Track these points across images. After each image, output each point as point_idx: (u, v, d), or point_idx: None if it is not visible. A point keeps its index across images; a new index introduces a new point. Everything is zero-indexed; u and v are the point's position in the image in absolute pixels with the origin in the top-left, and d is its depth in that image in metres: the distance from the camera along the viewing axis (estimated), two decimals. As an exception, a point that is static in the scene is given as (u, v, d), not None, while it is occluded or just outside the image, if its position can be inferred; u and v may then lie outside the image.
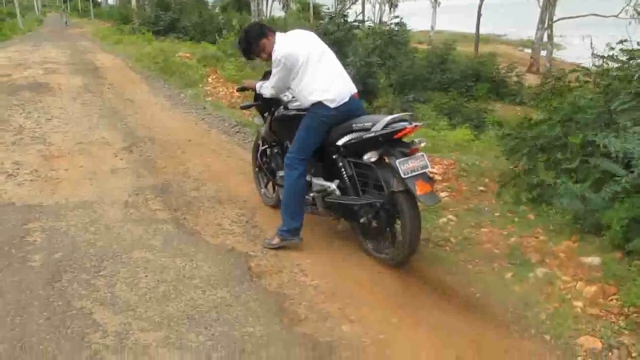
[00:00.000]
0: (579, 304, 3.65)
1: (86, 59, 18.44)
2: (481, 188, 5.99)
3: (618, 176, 4.24)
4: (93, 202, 5.47)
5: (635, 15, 19.90)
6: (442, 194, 5.79)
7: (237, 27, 19.12)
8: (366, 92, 13.58)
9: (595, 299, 3.68)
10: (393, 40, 17.87)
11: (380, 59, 15.77)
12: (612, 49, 5.62)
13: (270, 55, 4.41)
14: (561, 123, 5.43)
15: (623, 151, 4.18)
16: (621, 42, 5.49)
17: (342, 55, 14.47)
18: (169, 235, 4.77)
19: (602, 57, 5.65)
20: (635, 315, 3.47)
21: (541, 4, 31.84)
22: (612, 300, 3.66)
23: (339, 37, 15.85)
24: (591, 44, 5.94)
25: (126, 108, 10.30)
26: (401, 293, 3.96)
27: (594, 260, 4.16)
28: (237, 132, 8.53)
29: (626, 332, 3.36)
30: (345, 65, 13.27)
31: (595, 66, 5.97)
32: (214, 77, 13.43)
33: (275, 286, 3.97)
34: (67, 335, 3.32)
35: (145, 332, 3.38)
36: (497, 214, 5.34)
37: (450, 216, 5.27)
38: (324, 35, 15.66)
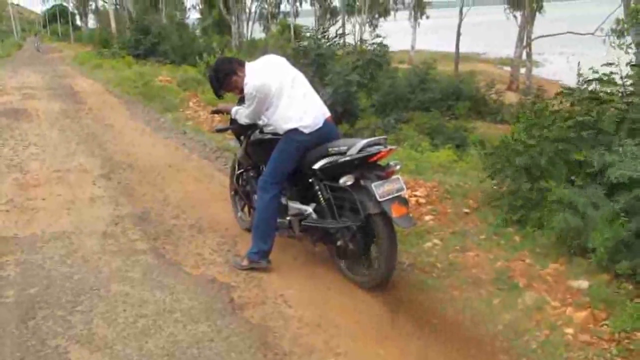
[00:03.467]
0: (570, 330, 3.57)
1: (65, 83, 18.30)
2: (466, 210, 5.92)
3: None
4: (70, 233, 5.33)
5: (610, 33, 20.14)
6: (427, 217, 5.72)
7: (217, 50, 19.08)
8: (347, 113, 13.55)
9: (585, 325, 3.60)
10: (374, 60, 17.91)
11: (362, 78, 15.78)
12: (596, 72, 5.60)
13: (242, 91, 4.39)
14: (548, 154, 5.38)
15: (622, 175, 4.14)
16: (606, 64, 5.45)
17: (322, 74, 14.48)
18: (149, 266, 4.65)
19: (591, 80, 5.59)
20: (626, 341, 3.40)
21: (519, 22, 32.25)
22: (603, 326, 3.58)
23: (320, 54, 15.83)
24: (575, 65, 5.88)
25: (105, 133, 10.17)
26: (388, 322, 3.86)
27: (582, 283, 4.09)
28: (218, 157, 8.41)
29: (619, 359, 3.28)
30: (324, 85, 13.30)
31: (579, 88, 5.92)
32: (195, 101, 13.33)
33: (259, 319, 3.85)
34: (41, 377, 3.19)
35: (123, 371, 3.25)
36: (483, 236, 5.26)
37: (435, 240, 5.19)
38: (304, 54, 15.70)
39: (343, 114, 13.47)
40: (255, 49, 24.35)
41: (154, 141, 9.77)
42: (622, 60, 5.30)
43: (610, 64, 5.29)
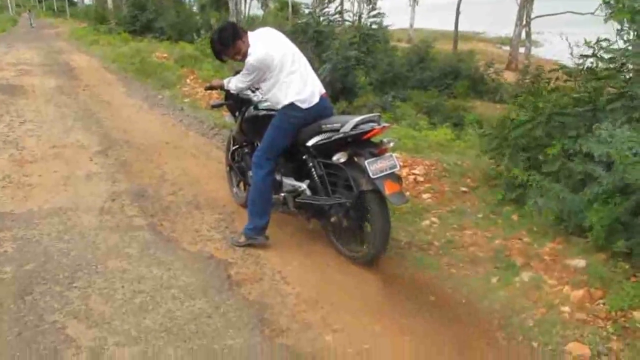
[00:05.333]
0: (566, 309, 3.58)
1: (61, 59, 18.13)
2: (463, 189, 5.92)
3: (599, 178, 4.21)
4: (67, 209, 5.30)
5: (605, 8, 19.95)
6: (425, 196, 5.73)
7: (215, 27, 18.88)
8: (345, 91, 13.48)
9: (582, 304, 3.61)
10: (371, 34, 17.77)
11: (359, 54, 15.66)
12: (592, 47, 5.57)
13: (244, 57, 4.31)
14: (544, 124, 5.37)
15: (604, 154, 4.13)
16: (599, 41, 5.42)
17: (320, 50, 14.38)
18: (146, 242, 4.63)
19: (587, 56, 5.57)
20: (622, 319, 3.41)
21: (519, 1, 32.03)
22: (599, 304, 3.59)
23: (319, 31, 15.70)
24: (569, 44, 5.85)
25: (102, 110, 10.09)
26: (385, 299, 3.87)
27: (579, 262, 4.10)
28: (216, 134, 8.37)
29: (614, 337, 3.29)
30: (323, 61, 13.21)
31: (577, 64, 5.90)
32: (192, 77, 13.24)
33: (256, 295, 3.85)
34: (39, 352, 3.19)
35: (121, 347, 3.25)
36: (480, 215, 5.27)
37: (433, 218, 5.19)
38: (303, 32, 15.58)
39: (342, 91, 13.39)
40: (254, 27, 24.15)
41: (151, 118, 9.72)
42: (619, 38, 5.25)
43: (605, 40, 5.25)
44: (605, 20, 5.02)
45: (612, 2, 4.19)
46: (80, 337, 3.33)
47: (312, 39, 15.20)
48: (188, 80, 12.94)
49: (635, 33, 4.29)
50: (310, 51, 13.77)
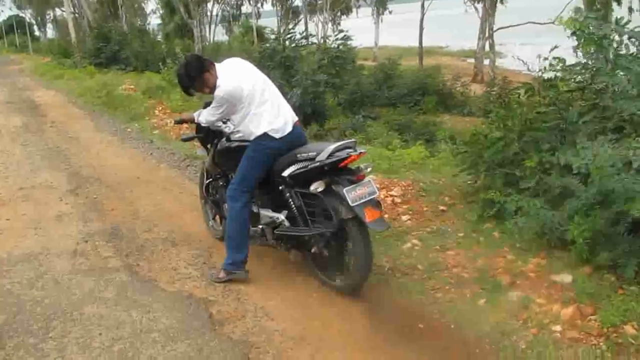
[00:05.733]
0: (558, 327, 3.53)
1: (25, 96, 17.84)
2: (442, 207, 5.86)
3: (577, 191, 4.20)
4: (38, 253, 5.13)
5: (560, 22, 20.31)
6: (404, 217, 5.66)
7: (180, 55, 18.78)
8: (316, 114, 13.45)
9: (573, 321, 3.56)
10: (339, 56, 17.80)
11: (328, 77, 15.66)
12: (546, 58, 5.58)
13: (212, 89, 4.23)
14: (516, 140, 5.37)
15: (582, 167, 4.11)
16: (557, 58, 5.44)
17: (289, 75, 14.34)
18: (123, 285, 4.49)
19: (550, 71, 5.58)
20: (614, 335, 3.37)
21: (481, 14, 32.49)
22: (590, 320, 3.55)
23: (286, 56, 15.68)
24: (523, 62, 5.84)
25: (70, 147, 9.89)
26: (372, 331, 3.77)
27: (565, 277, 4.07)
28: (188, 165, 8.23)
29: (609, 354, 3.25)
30: (292, 86, 13.19)
31: (540, 77, 5.90)
32: (160, 108, 13.09)
33: (240, 334, 3.73)
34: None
35: (101, 401, 3.11)
36: (461, 234, 5.21)
37: (414, 240, 5.12)
38: (270, 58, 15.54)
39: (312, 114, 13.37)
40: (219, 53, 24.06)
41: (120, 152, 9.55)
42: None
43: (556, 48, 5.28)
44: (575, 51, 5.11)
45: (578, 33, 4.21)
46: (58, 392, 3.18)
47: (280, 64, 15.16)
48: (157, 112, 12.79)
49: (604, 57, 4.32)
50: (279, 77, 13.70)
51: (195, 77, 4.28)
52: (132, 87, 16.39)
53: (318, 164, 4.02)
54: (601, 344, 3.34)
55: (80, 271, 4.75)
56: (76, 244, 5.35)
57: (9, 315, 4.03)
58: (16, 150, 9.74)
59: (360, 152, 4.07)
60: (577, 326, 3.52)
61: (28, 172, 8.14)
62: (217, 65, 4.33)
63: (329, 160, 3.98)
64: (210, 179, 5.27)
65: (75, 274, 4.69)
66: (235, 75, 4.23)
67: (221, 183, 5.09)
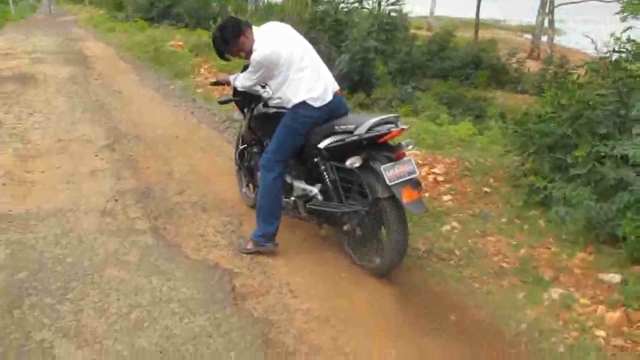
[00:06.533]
0: (601, 333, 3.26)
1: (76, 47, 17.91)
2: (486, 189, 5.56)
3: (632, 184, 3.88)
4: (67, 209, 5.05)
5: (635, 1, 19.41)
6: (445, 197, 5.39)
7: (233, 14, 18.55)
8: (363, 81, 13.05)
9: (619, 327, 3.28)
10: (390, 24, 17.29)
11: (379, 44, 15.21)
12: (618, 38, 5.20)
13: (249, 54, 4.00)
14: (570, 120, 5.03)
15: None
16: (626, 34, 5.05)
17: (339, 40, 13.95)
18: (147, 249, 4.36)
19: (616, 51, 5.20)
20: (665, 346, 3.09)
21: (542, -12, 31.32)
22: (638, 328, 3.26)
23: (337, 20, 15.27)
24: (591, 40, 5.47)
25: (112, 101, 9.81)
26: (401, 317, 3.56)
27: (614, 277, 3.78)
28: (228, 127, 8.06)
29: (657, 368, 2.97)
30: (342, 52, 12.83)
31: (602, 57, 5.53)
32: (206, 67, 12.90)
33: (262, 311, 3.56)
34: (22, 377, 2.93)
35: (111, 371, 2.98)
36: (504, 220, 4.92)
37: (454, 223, 4.86)
38: (321, 21, 15.15)
39: (359, 82, 12.98)
40: (272, 14, 23.71)
41: (162, 109, 9.43)
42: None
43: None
44: (622, 19, 4.73)
45: None
46: (69, 359, 3.06)
47: (330, 28, 14.75)
48: (202, 70, 12.62)
49: None
50: (329, 41, 13.33)
51: (231, 40, 4.06)
52: (180, 43, 16.23)
53: (356, 137, 3.78)
54: (649, 355, 3.06)
55: (105, 231, 4.64)
56: (106, 202, 5.25)
57: (30, 272, 3.94)
58: (60, 101, 9.70)
59: (402, 128, 3.80)
60: (624, 333, 3.24)
61: (69, 124, 8.09)
62: (255, 28, 4.09)
63: (368, 135, 3.74)
64: (245, 145, 5.07)
65: (101, 234, 4.58)
66: (273, 40, 3.98)
67: (255, 150, 4.88)
